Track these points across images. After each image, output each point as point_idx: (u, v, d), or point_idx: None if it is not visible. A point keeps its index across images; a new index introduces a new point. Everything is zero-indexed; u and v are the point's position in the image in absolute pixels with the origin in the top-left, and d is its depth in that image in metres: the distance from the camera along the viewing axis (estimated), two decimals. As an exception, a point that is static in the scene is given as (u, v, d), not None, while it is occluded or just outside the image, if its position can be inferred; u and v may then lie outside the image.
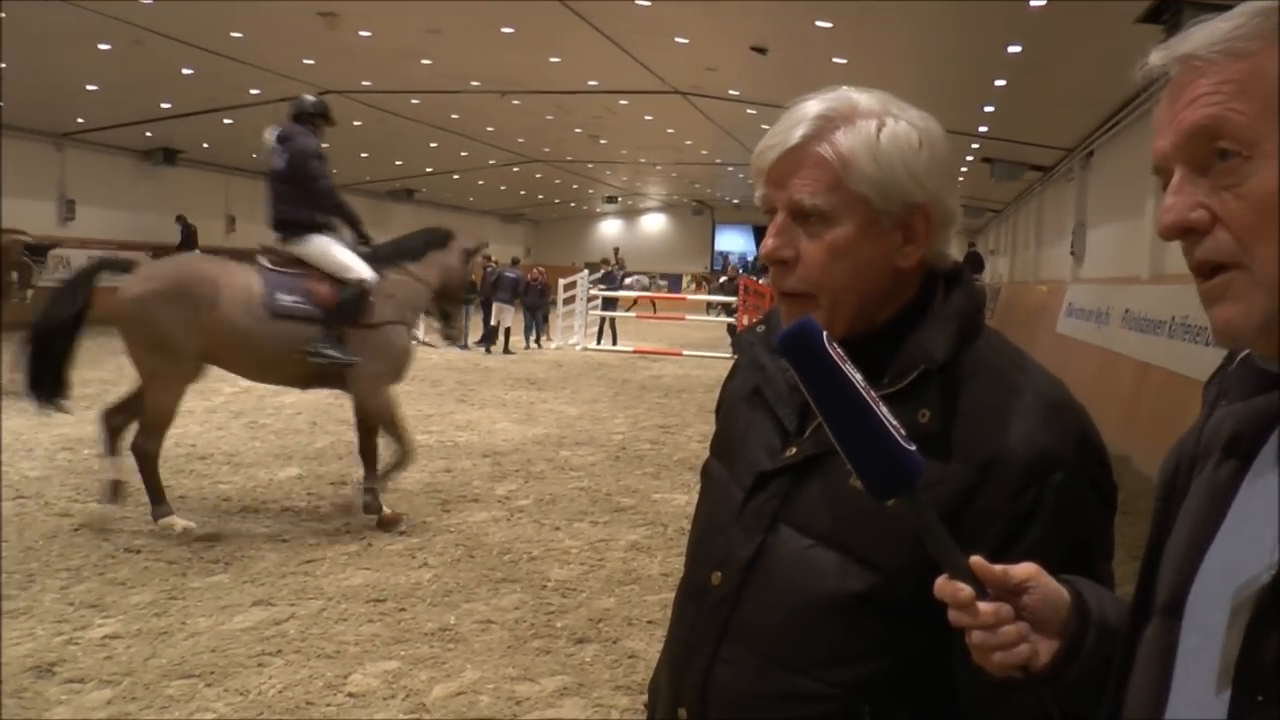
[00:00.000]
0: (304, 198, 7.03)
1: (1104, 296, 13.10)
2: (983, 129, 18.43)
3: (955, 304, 1.33)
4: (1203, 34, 0.89)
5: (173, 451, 8.81)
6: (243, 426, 10.24)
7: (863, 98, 1.32)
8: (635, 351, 20.71)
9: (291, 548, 6.22)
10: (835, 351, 1.04)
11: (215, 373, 12.36)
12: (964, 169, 23.88)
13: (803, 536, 1.32)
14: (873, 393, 1.04)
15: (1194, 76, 0.89)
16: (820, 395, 1.05)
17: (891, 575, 1.25)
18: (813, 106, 1.31)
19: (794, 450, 1.35)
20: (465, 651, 4.76)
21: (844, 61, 14.41)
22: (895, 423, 1.04)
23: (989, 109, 16.73)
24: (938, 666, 1.24)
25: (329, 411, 11.27)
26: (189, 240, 25.05)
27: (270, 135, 7.38)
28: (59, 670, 4.34)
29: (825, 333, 1.05)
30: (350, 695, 4.24)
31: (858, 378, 1.04)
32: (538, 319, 21.85)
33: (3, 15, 12.21)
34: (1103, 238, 15.87)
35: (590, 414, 12.07)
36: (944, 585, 1.05)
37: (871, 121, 1.29)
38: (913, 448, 1.03)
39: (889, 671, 1.27)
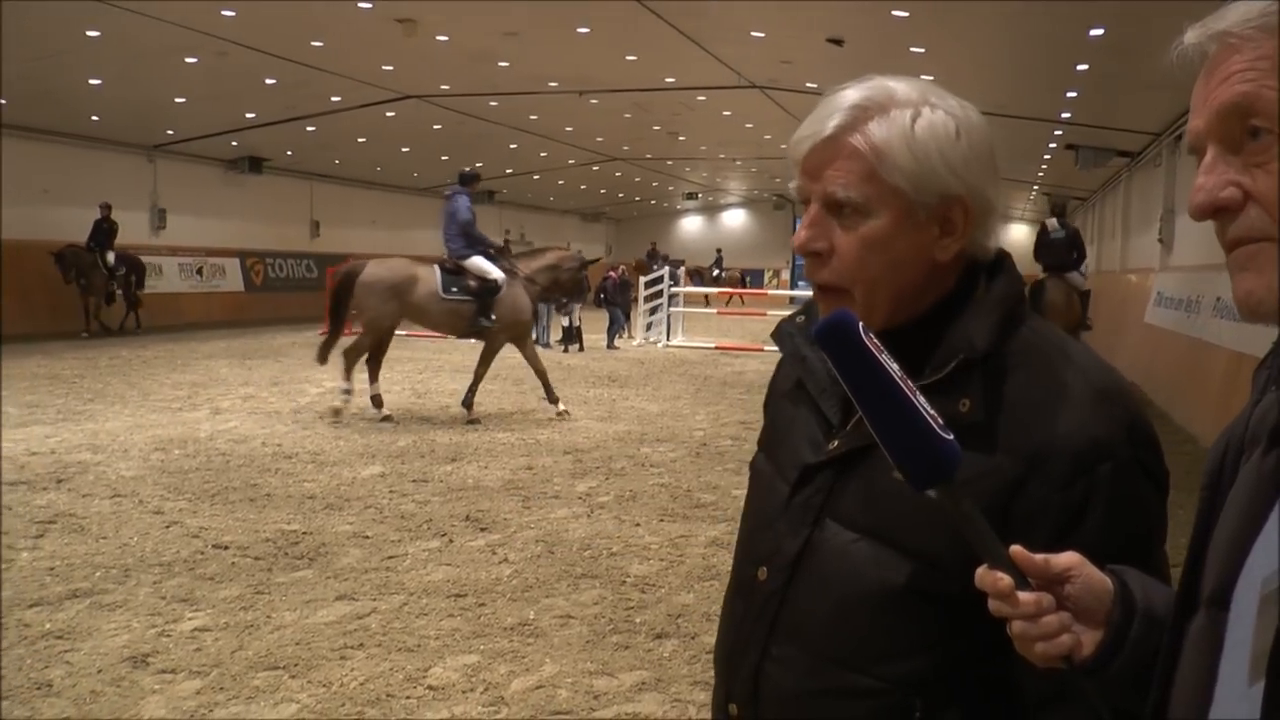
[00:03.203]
0: None
1: (1194, 284, 12.75)
2: (1065, 115, 18.06)
3: (997, 293, 1.30)
4: (1239, 10, 0.87)
5: (260, 450, 9.03)
6: (327, 426, 10.42)
7: (900, 86, 1.29)
8: (717, 348, 20.66)
9: (374, 544, 6.32)
10: (872, 342, 1.04)
11: (300, 374, 12.64)
12: (1047, 156, 23.42)
13: (847, 530, 1.30)
14: (910, 383, 1.04)
15: (1229, 54, 0.86)
16: (857, 386, 1.05)
17: (937, 568, 1.23)
18: (848, 96, 1.29)
19: (837, 443, 1.33)
20: (544, 646, 4.78)
21: (922, 50, 14.22)
22: (933, 413, 1.03)
23: (1072, 94, 16.37)
24: (990, 661, 1.21)
25: (411, 410, 11.43)
26: (99, 234, 20.64)
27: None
28: (152, 661, 4.47)
29: (862, 324, 1.04)
30: (430, 688, 4.28)
31: (894, 368, 1.04)
32: (619, 317, 21.92)
33: None
34: (1192, 224, 15.37)
35: (671, 411, 12.07)
36: (984, 575, 1.04)
37: (907, 111, 1.27)
38: (950, 437, 1.03)
39: (940, 666, 1.25)
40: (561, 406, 11.19)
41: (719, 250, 42.91)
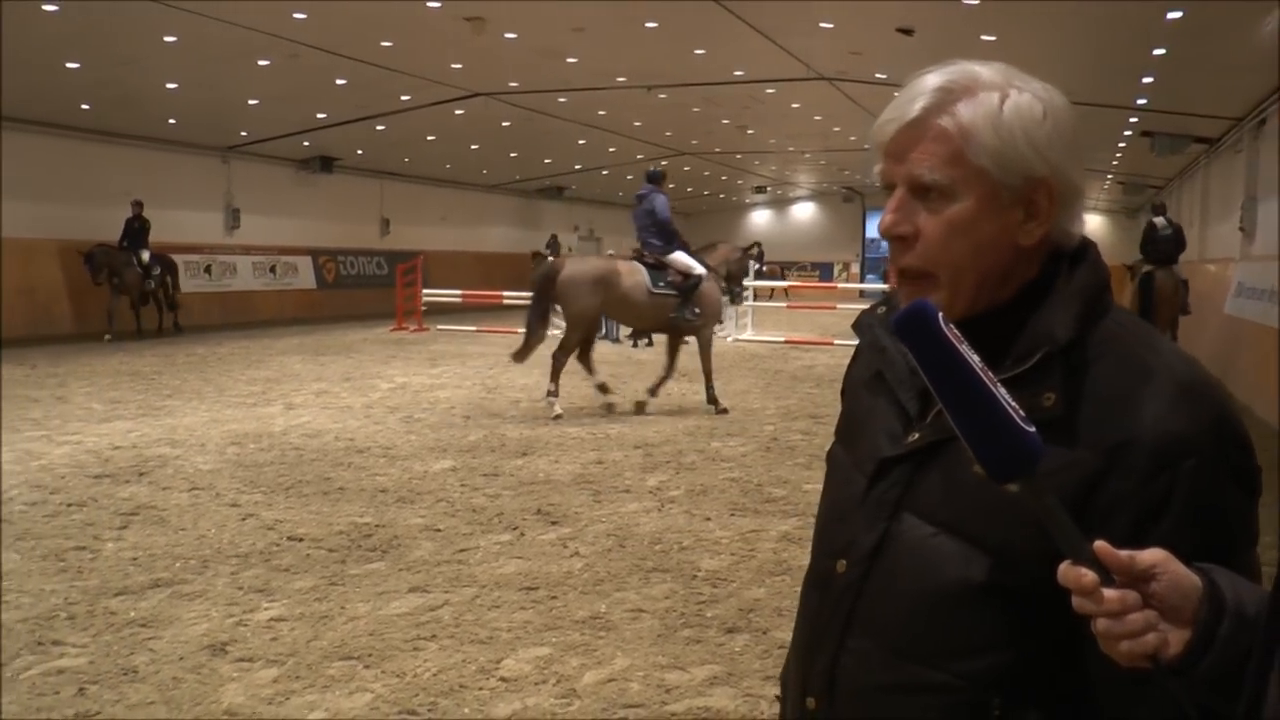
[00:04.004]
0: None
1: (1277, 274, 12.42)
2: (1141, 101, 17.68)
3: (1079, 282, 1.27)
4: None
5: (332, 445, 9.16)
6: (399, 421, 10.53)
7: (984, 70, 1.28)
8: (787, 342, 20.54)
9: (446, 537, 6.37)
10: (951, 332, 1.03)
11: (371, 370, 12.76)
12: (1121, 144, 22.96)
13: (926, 524, 1.29)
14: (990, 374, 1.03)
15: None
16: (936, 377, 1.04)
17: (1017, 564, 1.20)
18: (933, 79, 1.28)
19: (916, 436, 1.32)
20: (616, 639, 4.78)
21: (993, 39, 14.01)
22: (1014, 404, 1.02)
23: (1148, 80, 16.03)
24: (1071, 660, 1.19)
25: (482, 405, 11.51)
26: (132, 233, 19.92)
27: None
28: (231, 649, 4.55)
29: (941, 313, 1.04)
30: (502, 680, 4.31)
31: (974, 359, 1.02)
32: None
33: None
34: (1276, 211, 15.07)
35: (741, 405, 12.02)
36: (1067, 571, 1.02)
37: (994, 93, 1.25)
38: (1032, 429, 1.01)
39: (1018, 664, 1.23)
40: (723, 404, 11.51)
41: (758, 244, 42.62)
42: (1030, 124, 1.24)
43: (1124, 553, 1.01)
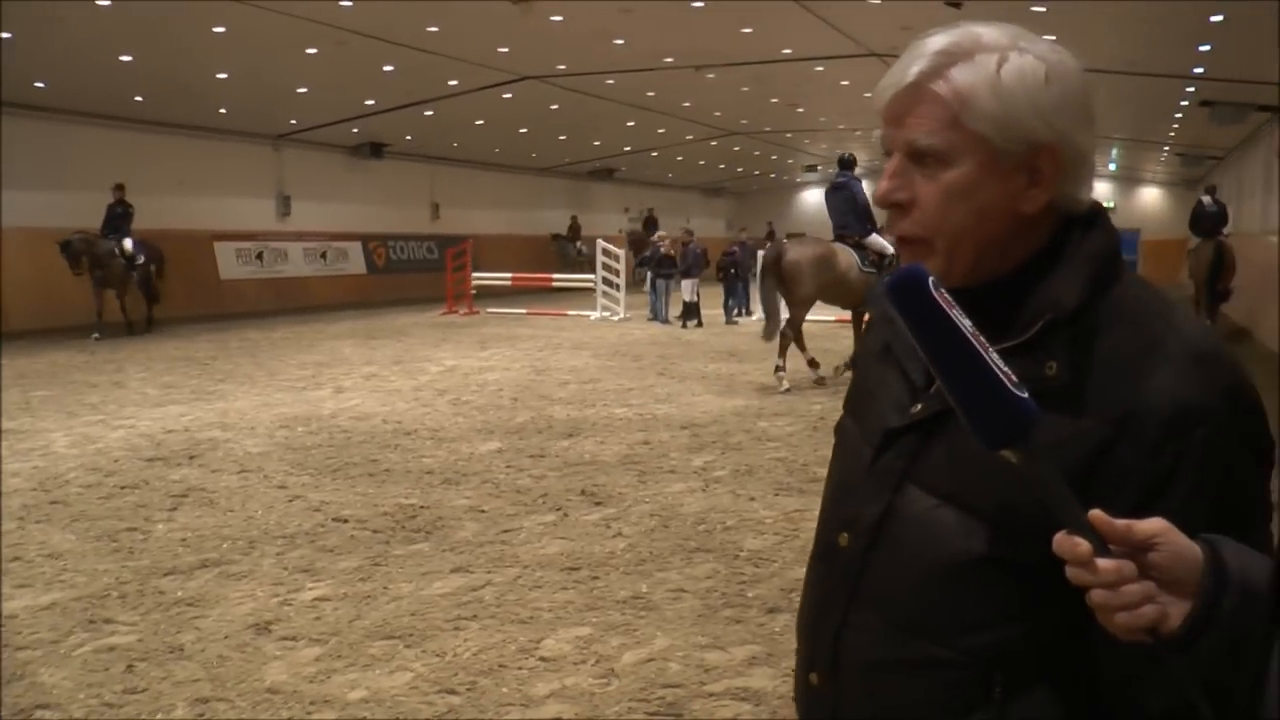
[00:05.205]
0: None
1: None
2: (1198, 70, 17.33)
3: (1089, 248, 1.23)
4: None
5: (380, 428, 9.23)
6: (447, 403, 10.59)
7: (988, 31, 1.23)
8: (837, 321, 20.37)
9: (490, 518, 6.40)
10: (942, 297, 1.01)
11: (421, 353, 12.77)
12: (1178, 115, 22.53)
13: (929, 496, 1.26)
14: (982, 340, 1.01)
15: None
16: (927, 343, 1.03)
17: (1018, 537, 1.17)
18: (933, 42, 1.24)
19: (920, 407, 1.29)
20: (657, 619, 4.78)
21: (1043, 10, 13.75)
22: (1006, 369, 1.00)
23: (1205, 48, 15.68)
24: (1075, 636, 1.16)
25: (530, 387, 11.55)
26: (115, 220, 17.92)
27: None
28: (275, 628, 4.62)
29: (932, 278, 1.02)
30: (542, 660, 4.32)
31: (966, 324, 1.01)
32: (739, 291, 21.84)
33: None
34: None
35: (790, 384, 11.96)
36: (1061, 540, 0.99)
37: (993, 56, 1.20)
38: (1024, 395, 0.99)
39: (1023, 640, 1.19)
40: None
41: (770, 222, 42.12)
42: (1033, 88, 1.19)
43: (1121, 522, 0.98)
